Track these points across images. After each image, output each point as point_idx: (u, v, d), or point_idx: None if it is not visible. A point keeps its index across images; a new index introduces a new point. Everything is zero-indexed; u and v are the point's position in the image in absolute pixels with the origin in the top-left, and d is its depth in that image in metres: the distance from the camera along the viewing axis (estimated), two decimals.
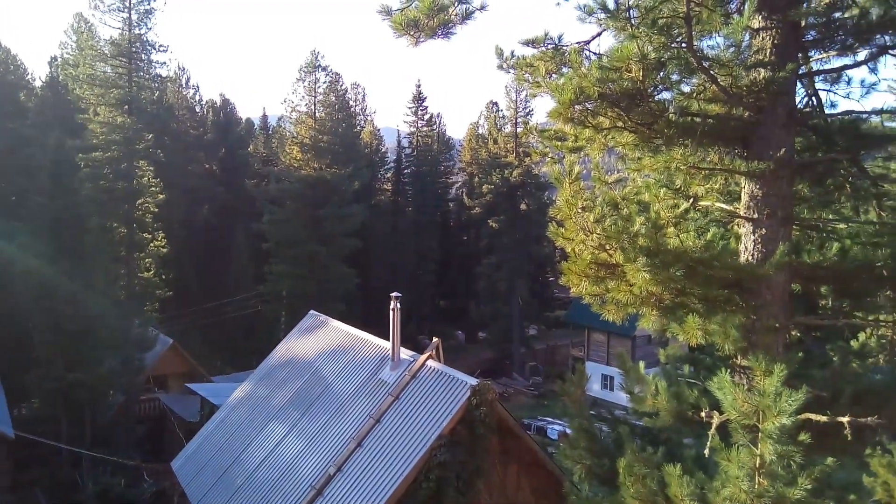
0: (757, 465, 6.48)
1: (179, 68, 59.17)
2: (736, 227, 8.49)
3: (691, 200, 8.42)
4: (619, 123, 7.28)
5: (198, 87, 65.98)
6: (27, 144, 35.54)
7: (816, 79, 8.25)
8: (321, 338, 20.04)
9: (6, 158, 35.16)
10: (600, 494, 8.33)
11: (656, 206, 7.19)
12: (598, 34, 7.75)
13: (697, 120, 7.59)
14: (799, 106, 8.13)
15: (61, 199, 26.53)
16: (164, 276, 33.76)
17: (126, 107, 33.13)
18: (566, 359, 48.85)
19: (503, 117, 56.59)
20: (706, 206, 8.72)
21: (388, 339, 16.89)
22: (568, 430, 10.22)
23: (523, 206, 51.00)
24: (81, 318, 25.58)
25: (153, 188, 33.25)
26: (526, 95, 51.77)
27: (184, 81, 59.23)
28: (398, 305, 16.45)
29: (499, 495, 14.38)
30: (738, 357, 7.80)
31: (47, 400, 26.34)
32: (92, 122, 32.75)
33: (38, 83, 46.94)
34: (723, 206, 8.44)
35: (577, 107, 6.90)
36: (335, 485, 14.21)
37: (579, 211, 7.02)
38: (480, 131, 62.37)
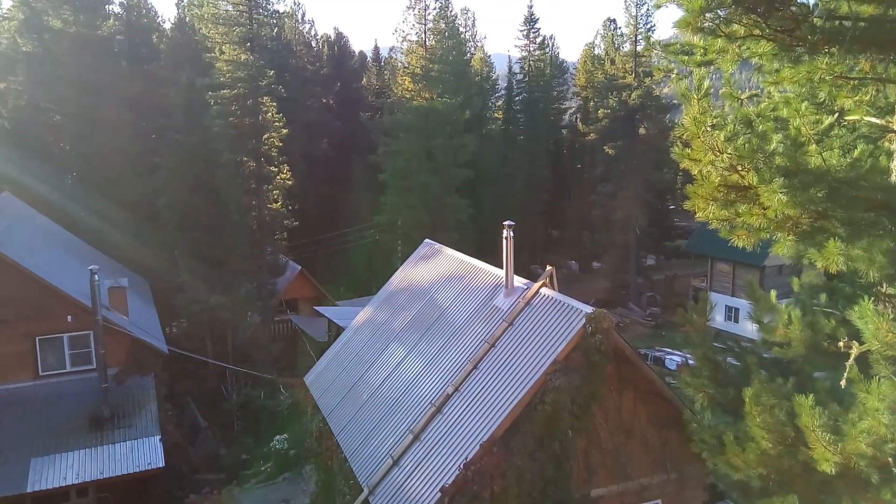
0: None
1: (295, 3, 60.56)
2: (887, 143, 7.66)
3: (836, 115, 7.66)
4: (756, 31, 6.65)
5: (313, 21, 67.58)
6: (162, 85, 38.01)
7: None
8: (436, 265, 20.56)
9: (144, 99, 37.86)
10: (723, 424, 8.15)
11: (796, 122, 6.61)
12: None
13: (847, 24, 6.80)
14: None
15: (195, 135, 28.43)
16: (290, 207, 35.68)
17: (248, 44, 34.44)
18: (687, 289, 47.22)
19: (621, 35, 53.50)
20: (853, 120, 7.91)
21: (501, 268, 17.04)
22: (689, 361, 10.00)
23: (642, 131, 48.62)
24: (220, 246, 27.78)
25: (277, 123, 34.76)
26: (648, 9, 48.49)
27: (300, 17, 60.51)
28: (511, 234, 16.47)
29: (615, 421, 14.46)
30: (884, 285, 7.20)
31: (194, 320, 29.15)
32: (218, 61, 34.42)
33: (167, 25, 49.73)
34: (873, 119, 7.61)
35: (707, 14, 6.37)
36: (453, 403, 14.86)
37: (708, 129, 6.58)
38: (596, 52, 59.40)
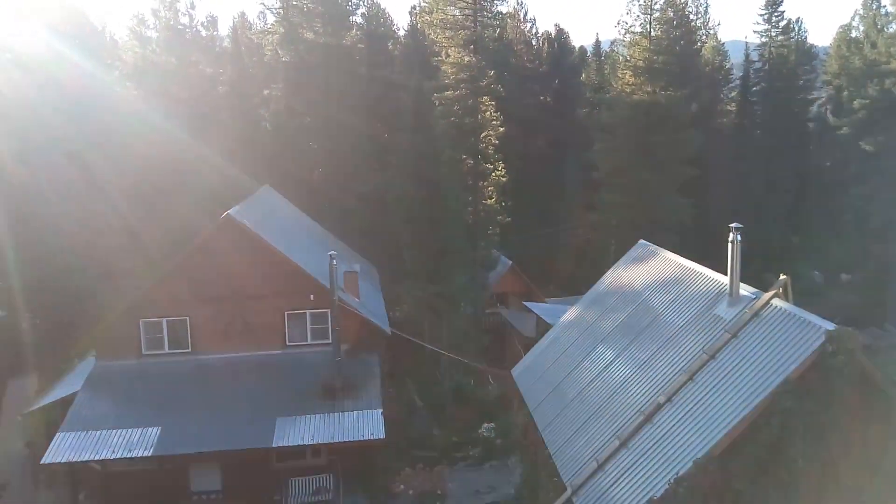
0: None
1: (518, 3, 61.55)
2: None
3: None
4: None
5: (534, 20, 68.08)
6: (395, 88, 41.14)
7: None
8: (651, 268, 19.69)
9: (380, 101, 41.30)
10: None
11: None
12: None
13: None
14: None
15: (421, 135, 30.39)
16: (503, 204, 36.55)
17: (472, 46, 35.83)
18: None
19: (886, 14, 46.25)
20: None
21: (725, 274, 15.84)
22: None
23: None
24: (439, 238, 29.45)
25: (494, 122, 35.76)
26: None
27: (521, 16, 61.47)
28: (738, 237, 15.21)
29: (858, 455, 12.68)
30: None
31: (414, 306, 31.24)
32: (444, 64, 36.31)
33: (401, 33, 53.61)
34: None
35: None
36: (665, 414, 14.17)
37: None
38: (853, 35, 52.04)
